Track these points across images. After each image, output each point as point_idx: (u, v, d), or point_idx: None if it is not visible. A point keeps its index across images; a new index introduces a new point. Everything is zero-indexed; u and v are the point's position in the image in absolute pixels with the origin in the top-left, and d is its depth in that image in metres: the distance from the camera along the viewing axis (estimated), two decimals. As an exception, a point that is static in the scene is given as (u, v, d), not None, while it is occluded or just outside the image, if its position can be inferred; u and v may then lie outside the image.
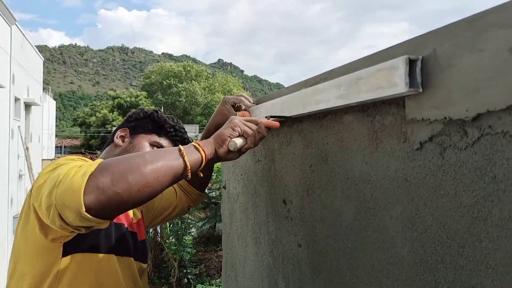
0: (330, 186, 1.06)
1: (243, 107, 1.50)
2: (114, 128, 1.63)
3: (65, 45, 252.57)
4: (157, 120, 1.49)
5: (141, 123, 1.48)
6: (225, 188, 2.06)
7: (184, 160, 1.00)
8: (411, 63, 0.73)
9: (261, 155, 1.55)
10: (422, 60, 0.73)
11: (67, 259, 1.17)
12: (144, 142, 1.44)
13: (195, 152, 1.05)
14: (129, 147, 1.41)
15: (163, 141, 1.47)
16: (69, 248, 1.18)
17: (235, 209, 1.86)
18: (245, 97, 1.52)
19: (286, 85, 1.37)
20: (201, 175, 1.17)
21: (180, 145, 1.05)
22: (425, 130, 0.74)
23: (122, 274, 1.31)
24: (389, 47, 0.84)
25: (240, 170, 1.79)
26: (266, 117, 1.28)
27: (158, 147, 1.44)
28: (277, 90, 1.38)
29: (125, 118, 1.54)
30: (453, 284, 0.68)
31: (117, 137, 1.45)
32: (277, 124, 1.24)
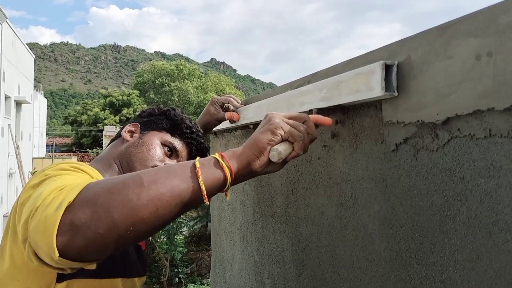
0: (313, 185, 1.09)
1: (231, 107, 1.53)
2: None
3: (56, 43, 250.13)
4: (173, 118, 1.31)
5: (155, 119, 1.31)
6: (214, 187, 2.08)
7: (197, 182, 0.73)
8: (387, 68, 0.77)
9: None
10: (398, 65, 0.76)
11: (62, 285, 0.97)
12: (155, 139, 1.24)
13: (214, 169, 0.76)
14: (137, 143, 1.22)
15: (176, 142, 1.27)
16: (64, 273, 0.90)
17: (224, 208, 1.89)
18: (233, 98, 1.55)
19: (279, 85, 1.37)
20: (227, 198, 0.86)
21: (197, 159, 0.78)
22: (400, 132, 0.78)
23: None
24: (367, 52, 0.87)
25: (229, 170, 1.82)
26: (311, 110, 1.00)
27: (169, 147, 1.26)
28: (266, 91, 1.41)
29: (137, 113, 1.39)
30: (425, 279, 0.72)
31: (125, 131, 1.28)
32: (329, 120, 0.92)
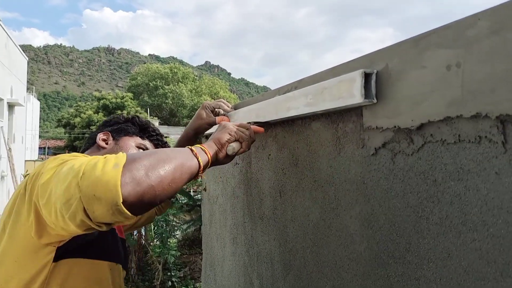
0: (300, 188, 1.13)
1: (222, 112, 1.56)
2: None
3: (50, 45, 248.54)
4: (139, 123, 1.50)
5: (123, 126, 1.48)
6: (205, 190, 2.11)
7: (198, 160, 1.01)
8: (367, 76, 0.81)
9: (238, 158, 1.61)
10: (377, 73, 0.80)
11: (58, 264, 1.11)
12: (130, 143, 1.42)
13: (203, 154, 1.06)
14: (116, 149, 1.39)
15: (147, 144, 1.47)
16: (61, 253, 1.12)
17: (215, 210, 1.92)
18: (224, 103, 1.59)
19: (273, 88, 1.42)
20: (203, 177, 1.20)
21: (189, 146, 1.05)
22: (379, 137, 0.81)
23: (112, 281, 1.29)
24: (349, 61, 0.91)
25: (219, 173, 1.85)
26: (249, 122, 1.33)
27: (143, 149, 1.43)
28: (255, 96, 1.45)
29: (102, 123, 1.54)
30: (402, 277, 0.76)
31: (100, 140, 1.42)
32: (261, 129, 1.29)
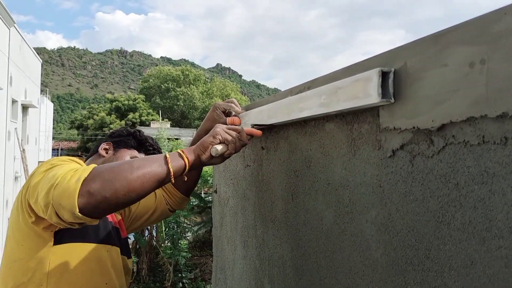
0: (313, 191, 1.10)
1: (233, 113, 1.54)
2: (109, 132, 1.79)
3: (63, 48, 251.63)
4: (139, 138, 1.66)
5: (124, 139, 1.64)
6: (216, 192, 2.09)
7: (168, 167, 1.10)
8: (384, 75, 0.77)
9: (250, 160, 1.59)
10: (394, 72, 0.77)
11: (58, 247, 1.32)
12: (126, 155, 1.59)
13: (178, 159, 1.15)
14: (112, 159, 1.56)
15: (142, 156, 1.63)
16: (60, 238, 1.32)
17: (225, 212, 1.90)
18: (235, 103, 1.56)
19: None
20: (185, 179, 1.35)
21: (166, 152, 1.16)
22: (396, 139, 0.78)
23: (111, 263, 1.47)
24: (365, 59, 0.88)
25: (231, 175, 1.83)
26: (253, 125, 1.34)
27: None
28: (266, 97, 1.42)
29: (108, 134, 1.72)
30: (421, 285, 0.72)
31: (101, 149, 1.60)
32: (259, 132, 1.32)
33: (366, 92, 0.80)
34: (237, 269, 1.71)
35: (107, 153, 1.60)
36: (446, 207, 0.67)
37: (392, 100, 0.77)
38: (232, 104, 1.54)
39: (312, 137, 1.11)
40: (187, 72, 56.18)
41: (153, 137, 1.74)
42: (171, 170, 1.10)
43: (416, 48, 0.73)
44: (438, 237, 0.68)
